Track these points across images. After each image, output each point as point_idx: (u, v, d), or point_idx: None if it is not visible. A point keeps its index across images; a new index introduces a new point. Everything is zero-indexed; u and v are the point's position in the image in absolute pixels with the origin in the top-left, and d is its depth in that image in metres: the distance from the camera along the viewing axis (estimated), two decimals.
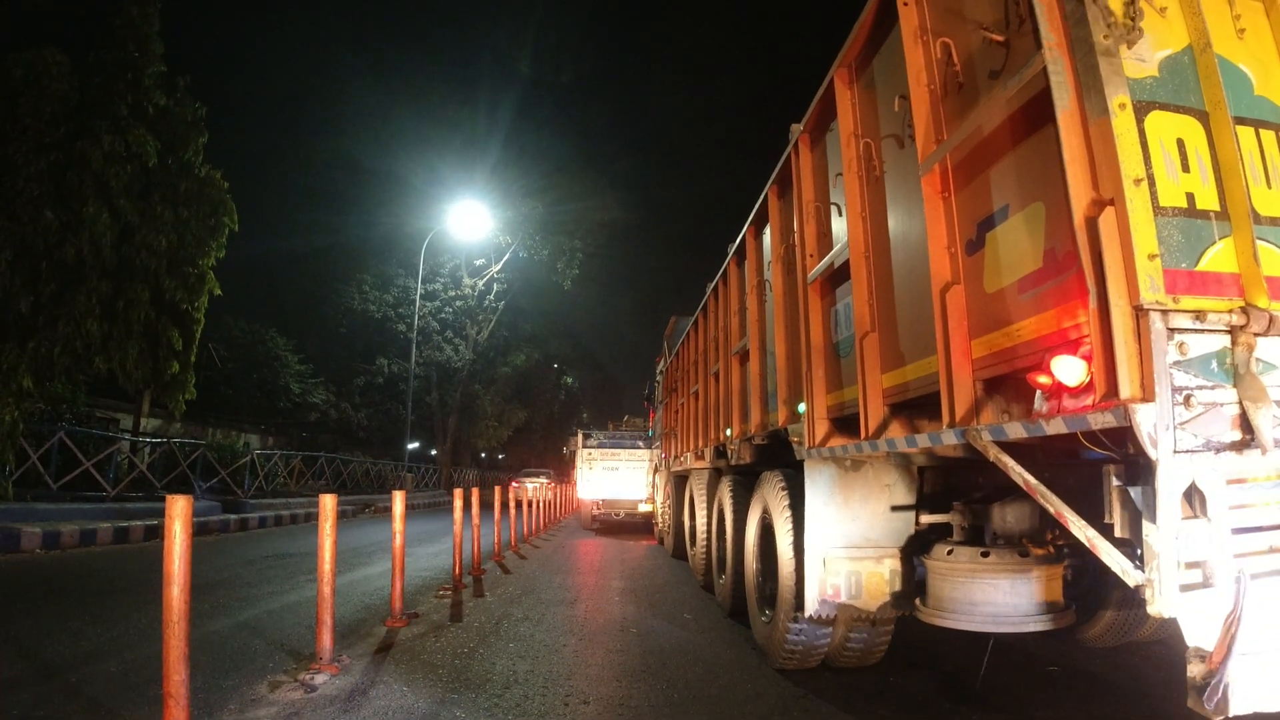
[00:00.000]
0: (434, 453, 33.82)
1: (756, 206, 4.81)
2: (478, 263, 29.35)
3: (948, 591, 2.87)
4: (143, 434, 15.64)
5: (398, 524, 5.13)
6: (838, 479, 3.40)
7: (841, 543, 3.35)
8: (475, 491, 8.33)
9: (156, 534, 10.04)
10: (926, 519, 3.21)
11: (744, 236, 5.26)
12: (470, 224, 23.94)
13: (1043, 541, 2.83)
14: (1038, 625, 2.78)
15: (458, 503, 7.02)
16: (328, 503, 4.05)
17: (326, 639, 3.83)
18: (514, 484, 13.87)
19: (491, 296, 30.00)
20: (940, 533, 3.20)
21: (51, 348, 9.75)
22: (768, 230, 4.63)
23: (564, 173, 27.83)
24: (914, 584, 3.32)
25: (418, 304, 24.14)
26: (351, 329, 28.37)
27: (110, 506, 10.83)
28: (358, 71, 38.79)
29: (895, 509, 3.36)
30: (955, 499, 3.17)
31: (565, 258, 27.77)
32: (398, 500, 5.20)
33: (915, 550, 3.27)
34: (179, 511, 2.76)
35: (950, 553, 2.89)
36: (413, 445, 27.42)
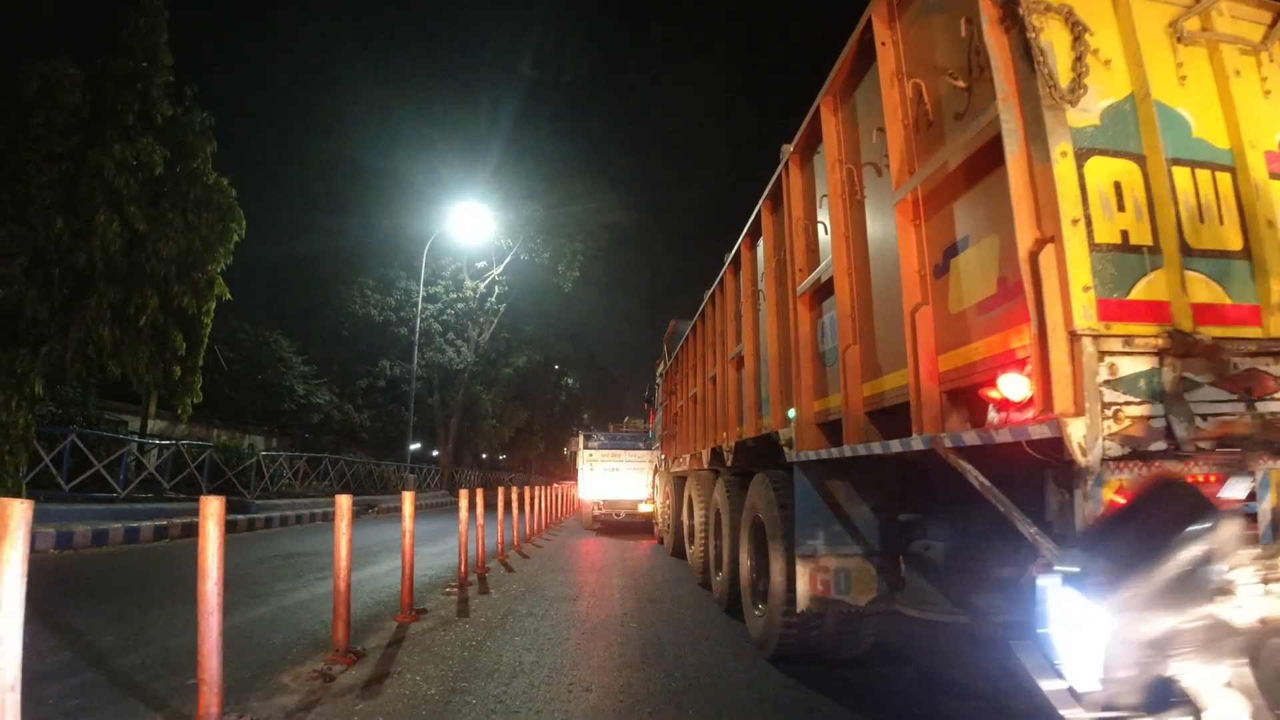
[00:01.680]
0: (435, 454, 34.04)
1: (751, 220, 5.03)
2: (479, 265, 29.55)
3: (925, 586, 3.09)
4: (150, 436, 15.87)
5: (407, 523, 5.36)
6: (825, 480, 3.61)
7: (830, 541, 3.56)
8: (480, 493, 8.55)
9: (165, 534, 10.28)
10: (906, 518, 3.42)
11: (739, 247, 5.48)
12: (472, 227, 24.13)
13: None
14: (1006, 617, 2.99)
15: (464, 503, 7.25)
16: (343, 503, 4.27)
17: (342, 632, 4.05)
18: (558, 485, 17.29)
19: (493, 299, 30.21)
20: (920, 531, 3.41)
21: (64, 352, 9.97)
22: (761, 243, 4.85)
23: (565, 176, 28.05)
24: (897, 579, 3.53)
25: (420, 306, 24.35)
26: (354, 331, 28.59)
27: (120, 507, 11.05)
28: (360, 75, 39.08)
29: (878, 509, 3.57)
30: (934, 499, 3.38)
31: (566, 260, 27.98)
32: (407, 501, 5.43)
33: (897, 548, 3.48)
34: (213, 511, 2.98)
35: (927, 549, 3.11)
36: (414, 446, 27.64)
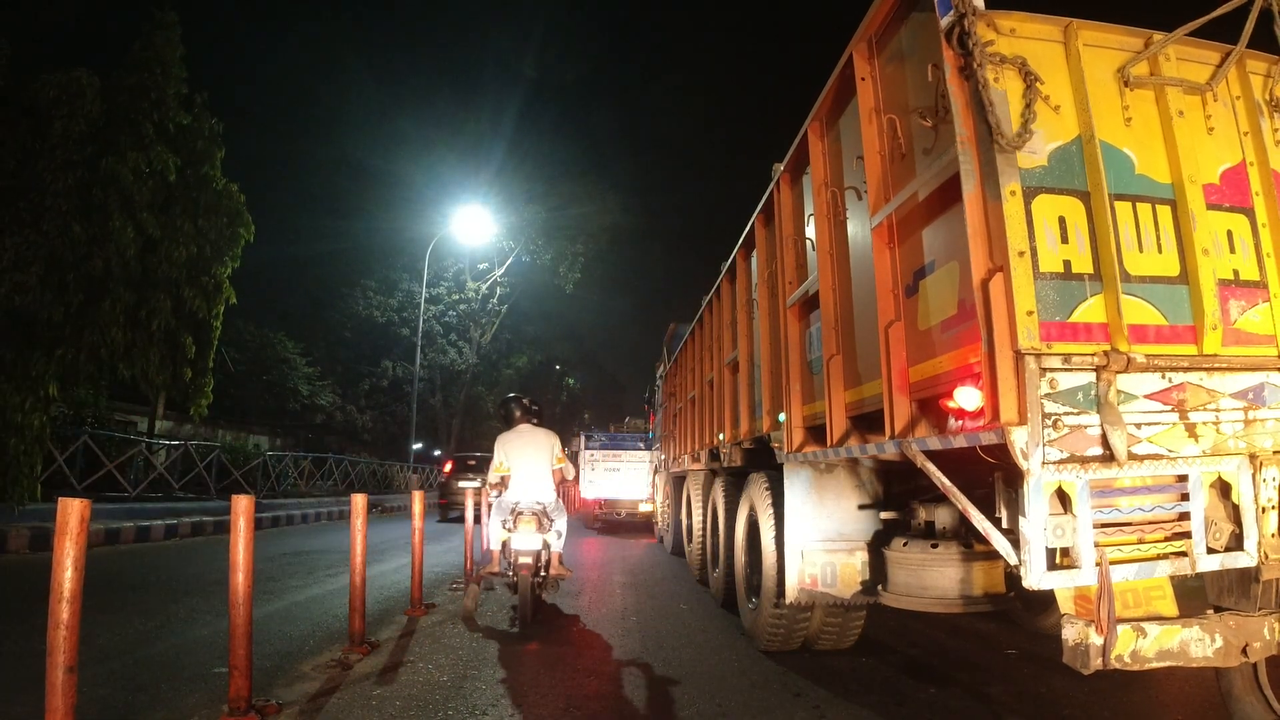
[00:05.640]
0: (437, 453, 34.29)
1: (745, 232, 5.27)
2: (481, 266, 29.82)
3: (903, 578, 3.32)
4: (158, 436, 16.13)
5: (417, 521, 5.61)
6: (813, 480, 3.86)
7: (818, 536, 3.80)
8: (484, 493, 8.78)
9: (175, 533, 10.53)
10: (886, 515, 3.66)
11: (734, 257, 5.72)
12: (474, 229, 24.41)
13: (983, 537, 3.27)
14: (978, 607, 3.22)
15: (469, 503, 7.50)
16: (359, 501, 4.53)
17: (358, 623, 4.29)
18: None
19: (495, 300, 30.46)
20: (902, 528, 3.65)
21: (78, 355, 10.22)
22: (754, 255, 5.09)
23: (566, 178, 28.32)
24: (881, 573, 3.76)
25: (422, 307, 24.61)
26: (357, 333, 28.87)
27: (131, 506, 11.32)
28: (364, 78, 39.24)
29: (863, 507, 3.81)
30: (914, 498, 3.62)
31: (567, 262, 28.24)
32: (417, 500, 5.68)
33: (880, 543, 3.72)
34: (243, 509, 3.22)
35: (905, 544, 3.34)
36: (416, 446, 27.88)
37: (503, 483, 5.49)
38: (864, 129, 2.93)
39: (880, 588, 3.53)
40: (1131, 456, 2.07)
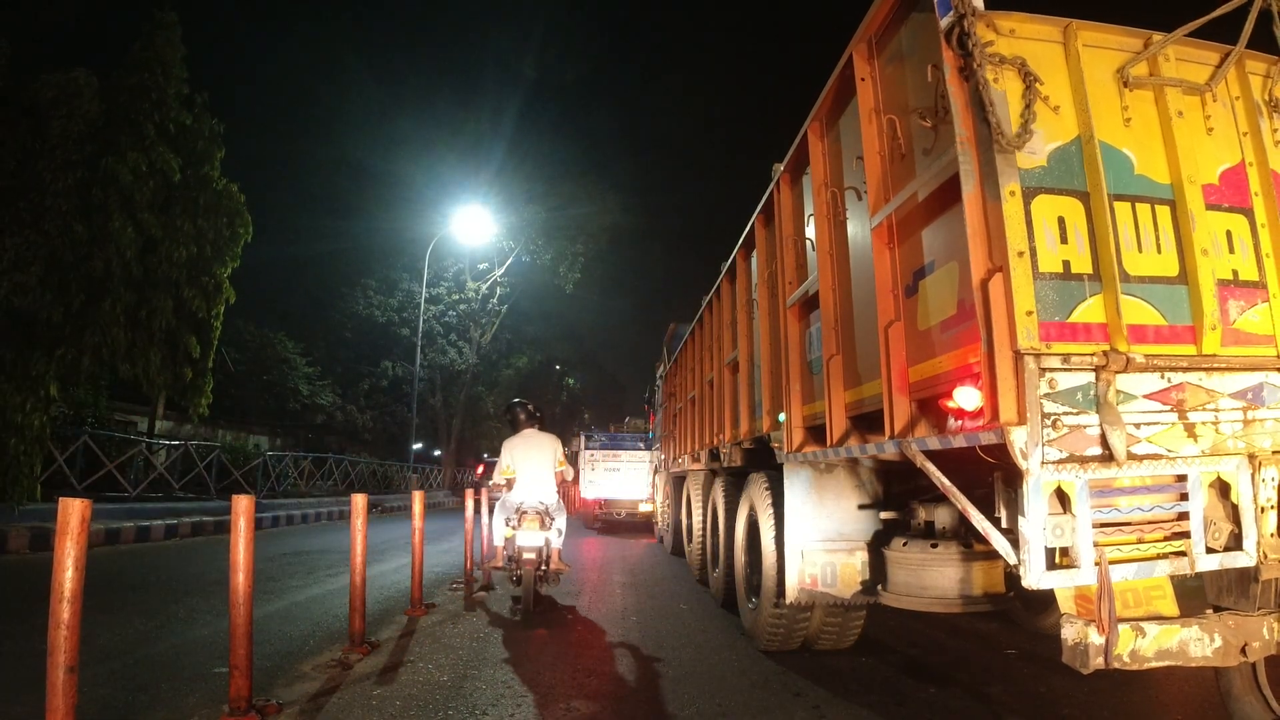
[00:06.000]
0: (437, 453, 34.30)
1: (745, 232, 5.27)
2: (481, 266, 29.81)
3: (903, 578, 3.33)
4: (158, 436, 16.13)
5: (417, 521, 5.61)
6: (813, 480, 3.86)
7: (818, 536, 3.80)
8: (485, 492, 8.79)
9: (175, 533, 10.54)
10: (886, 515, 3.67)
11: (735, 258, 5.72)
12: (474, 229, 24.44)
13: (983, 537, 3.28)
14: (978, 607, 3.23)
15: (469, 503, 7.51)
16: (359, 501, 4.53)
17: (358, 623, 4.29)
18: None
19: (495, 300, 30.45)
20: (902, 528, 3.66)
21: (79, 355, 10.23)
22: (754, 255, 5.09)
23: (566, 178, 28.31)
24: (880, 573, 3.77)
25: (422, 307, 24.63)
26: (357, 333, 28.88)
27: (131, 506, 11.32)
28: (364, 78, 39.30)
29: (863, 507, 3.81)
30: (914, 498, 3.62)
31: (567, 262, 28.23)
32: (417, 500, 5.68)
33: (880, 543, 3.72)
34: (243, 509, 3.22)
35: (905, 544, 3.35)
36: (416, 446, 27.89)
37: (508, 484, 5.92)
38: (864, 129, 2.94)
39: (880, 588, 3.53)
40: (1131, 456, 2.08)
